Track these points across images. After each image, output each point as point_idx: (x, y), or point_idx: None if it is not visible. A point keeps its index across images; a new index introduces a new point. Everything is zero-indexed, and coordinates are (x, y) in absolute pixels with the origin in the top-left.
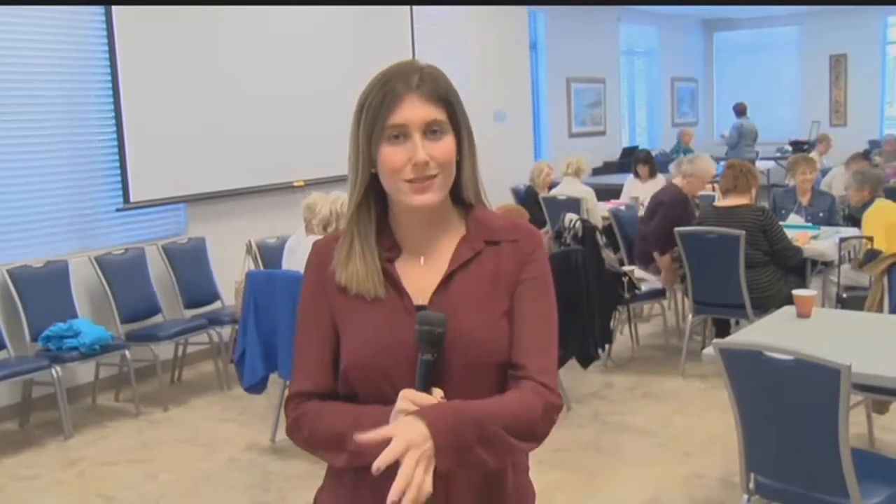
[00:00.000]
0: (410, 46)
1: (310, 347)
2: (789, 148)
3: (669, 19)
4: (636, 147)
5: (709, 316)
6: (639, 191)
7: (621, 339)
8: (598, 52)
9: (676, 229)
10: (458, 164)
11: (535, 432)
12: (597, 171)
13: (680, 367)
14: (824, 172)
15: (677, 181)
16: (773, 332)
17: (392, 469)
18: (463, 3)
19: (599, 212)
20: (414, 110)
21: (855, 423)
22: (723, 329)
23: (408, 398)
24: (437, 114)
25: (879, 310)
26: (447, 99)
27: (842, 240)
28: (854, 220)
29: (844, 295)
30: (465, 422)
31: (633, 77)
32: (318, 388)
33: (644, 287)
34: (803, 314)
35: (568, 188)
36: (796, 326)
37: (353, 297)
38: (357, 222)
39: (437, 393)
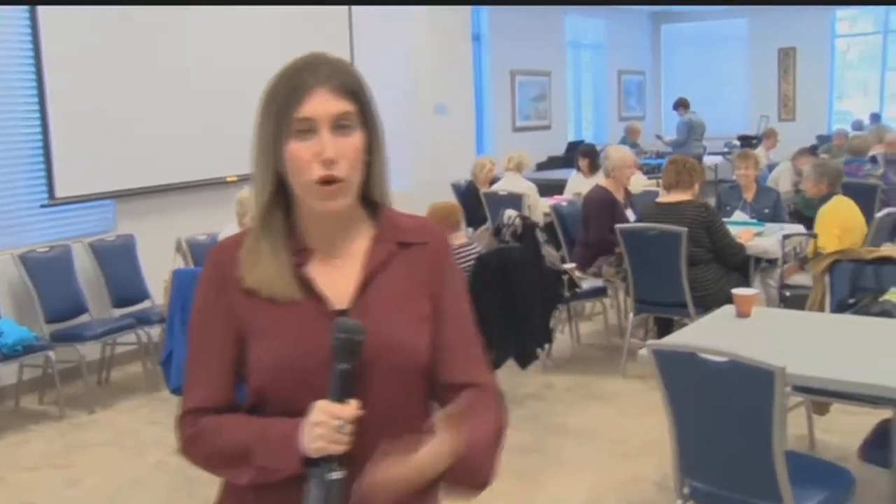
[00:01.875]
0: (348, 38)
1: (206, 358)
2: (738, 143)
3: (617, 11)
4: (582, 141)
5: (650, 315)
6: (582, 186)
7: (562, 339)
8: (544, 45)
9: (617, 226)
10: (367, 162)
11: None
12: (542, 166)
13: (621, 368)
14: (773, 168)
15: (603, 182)
16: (712, 332)
17: (297, 484)
18: (403, 3)
19: (541, 208)
20: (322, 104)
21: (795, 425)
22: (665, 328)
23: (321, 409)
24: (346, 107)
25: (821, 309)
26: (357, 93)
27: (785, 237)
28: (800, 217)
29: (787, 293)
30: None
31: (579, 70)
32: (216, 403)
33: (585, 285)
34: (743, 314)
35: (509, 184)
36: (735, 326)
37: (264, 301)
38: (265, 222)
39: (353, 404)
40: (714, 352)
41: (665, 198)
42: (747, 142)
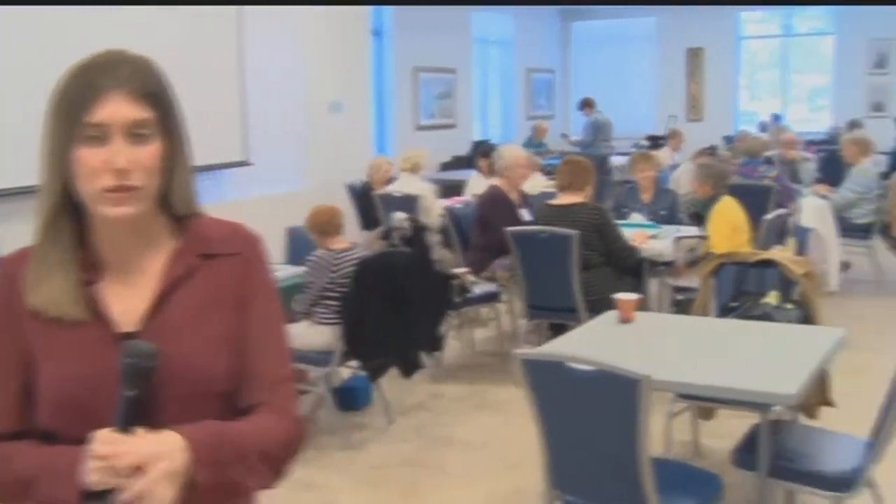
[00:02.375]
0: (235, 33)
1: None
2: (646, 143)
3: (525, 7)
4: (486, 141)
5: (544, 321)
6: (482, 187)
7: (455, 346)
8: (449, 41)
9: (508, 229)
10: (168, 171)
11: (283, 462)
12: (447, 167)
13: (513, 375)
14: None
15: (497, 182)
16: (591, 339)
17: None
18: (297, 3)
19: (437, 210)
20: (117, 108)
21: (681, 430)
22: (559, 334)
23: (102, 440)
24: (144, 113)
25: (705, 313)
26: (158, 97)
27: (678, 239)
28: (700, 218)
29: (679, 297)
30: (224, 438)
31: (486, 67)
32: (2, 429)
33: (478, 290)
34: (625, 319)
35: (405, 185)
36: (616, 332)
37: (50, 321)
38: (50, 235)
39: (140, 433)
40: (581, 360)
41: (558, 200)
42: (655, 142)
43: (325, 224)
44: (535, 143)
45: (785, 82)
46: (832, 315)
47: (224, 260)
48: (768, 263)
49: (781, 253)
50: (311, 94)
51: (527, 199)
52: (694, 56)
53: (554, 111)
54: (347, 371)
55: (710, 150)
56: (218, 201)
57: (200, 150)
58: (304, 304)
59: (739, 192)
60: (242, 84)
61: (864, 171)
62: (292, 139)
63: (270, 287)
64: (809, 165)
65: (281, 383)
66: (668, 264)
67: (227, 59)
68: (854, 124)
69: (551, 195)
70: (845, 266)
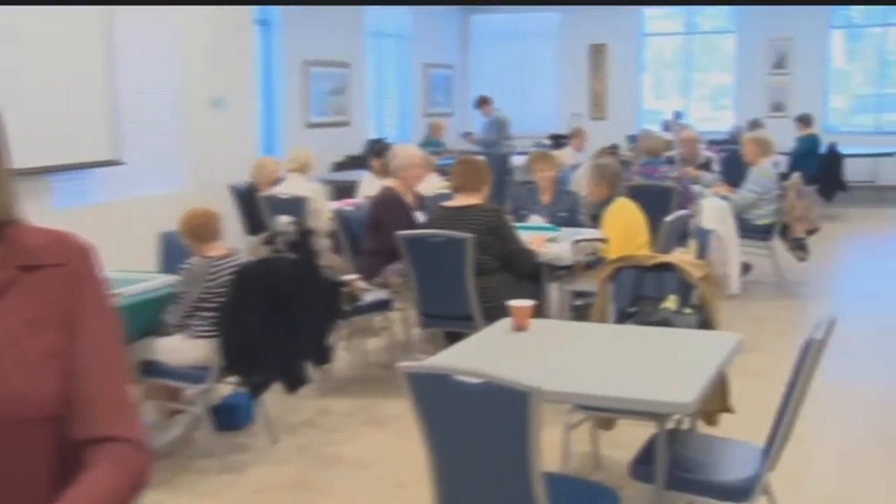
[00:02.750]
0: (107, 23)
1: None
2: (548, 142)
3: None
4: (382, 139)
5: (439, 329)
6: (374, 188)
7: (344, 358)
8: (342, 34)
9: (399, 233)
10: None
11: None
12: (340, 167)
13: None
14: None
15: (390, 183)
16: (483, 349)
17: None
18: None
19: (327, 213)
20: None
21: (580, 441)
22: (456, 342)
23: None
24: None
25: (603, 319)
26: None
27: (576, 242)
28: (600, 220)
29: (578, 302)
30: None
31: (381, 62)
32: None
33: (369, 297)
34: (519, 327)
35: (292, 186)
36: (510, 341)
37: None
38: None
39: None
40: (468, 373)
41: (453, 201)
42: (558, 141)
43: (201, 228)
44: (433, 141)
45: (688, 81)
46: (733, 317)
47: (48, 272)
48: (667, 267)
49: (680, 256)
50: (190, 88)
51: (422, 201)
52: (597, 53)
53: (453, 108)
54: (227, 388)
55: (612, 150)
56: (83, 203)
57: (59, 148)
58: (177, 315)
59: (640, 193)
60: (111, 79)
61: (764, 171)
62: (169, 137)
63: (103, 302)
64: (712, 165)
65: (120, 410)
66: (567, 268)
67: (94, 53)
68: (755, 124)
69: (448, 196)
70: (746, 268)
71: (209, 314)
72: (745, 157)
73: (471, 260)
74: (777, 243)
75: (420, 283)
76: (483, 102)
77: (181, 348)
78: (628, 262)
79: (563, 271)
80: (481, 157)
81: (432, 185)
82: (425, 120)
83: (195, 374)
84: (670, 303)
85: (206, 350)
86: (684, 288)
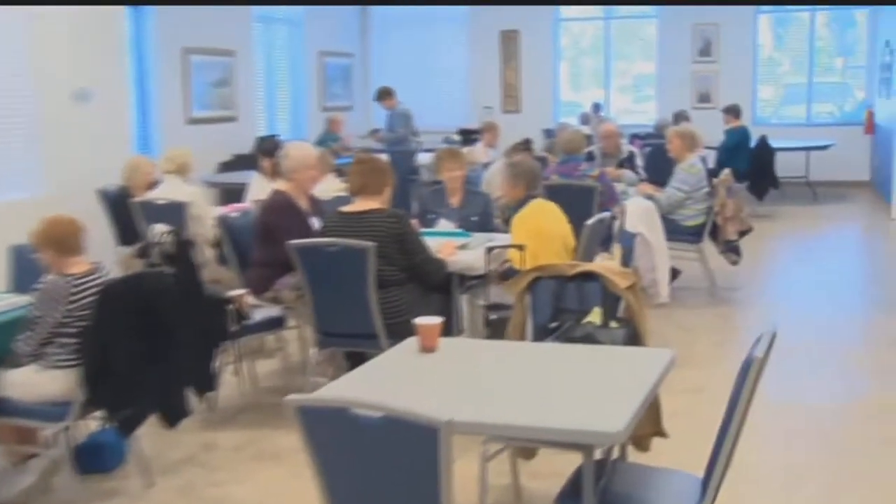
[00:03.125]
0: None
1: None
2: (457, 138)
3: None
4: (274, 136)
5: (339, 349)
6: (265, 191)
7: (232, 384)
8: (226, 18)
9: (291, 243)
10: None
11: None
12: (227, 167)
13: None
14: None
15: (282, 186)
16: (386, 375)
17: None
18: None
19: (210, 220)
20: None
21: (499, 473)
22: (358, 364)
23: None
24: None
25: (522, 336)
26: None
27: (489, 249)
28: None
29: (493, 316)
30: None
31: (271, 50)
32: None
33: (259, 315)
34: (427, 347)
35: (170, 190)
36: (416, 364)
37: None
38: None
39: None
40: (367, 406)
41: (351, 206)
42: (469, 136)
43: (60, 240)
44: (331, 137)
45: (608, 70)
46: (663, 329)
47: None
48: (590, 276)
49: (603, 264)
50: (48, 78)
51: (318, 206)
52: (508, 40)
53: (352, 101)
54: (92, 424)
55: (525, 145)
56: None
57: None
58: (31, 343)
59: (558, 194)
60: None
61: (691, 167)
62: (22, 134)
63: None
64: (635, 161)
65: None
66: (480, 278)
67: None
68: (680, 116)
69: (347, 200)
70: (675, 273)
71: (70, 340)
72: (671, 153)
73: (372, 271)
74: (707, 246)
75: (316, 297)
76: (385, 95)
77: (35, 381)
78: (547, 272)
79: (475, 282)
80: (381, 157)
81: (330, 187)
82: (322, 114)
83: (53, 411)
84: (594, 316)
85: (66, 382)
86: (609, 299)
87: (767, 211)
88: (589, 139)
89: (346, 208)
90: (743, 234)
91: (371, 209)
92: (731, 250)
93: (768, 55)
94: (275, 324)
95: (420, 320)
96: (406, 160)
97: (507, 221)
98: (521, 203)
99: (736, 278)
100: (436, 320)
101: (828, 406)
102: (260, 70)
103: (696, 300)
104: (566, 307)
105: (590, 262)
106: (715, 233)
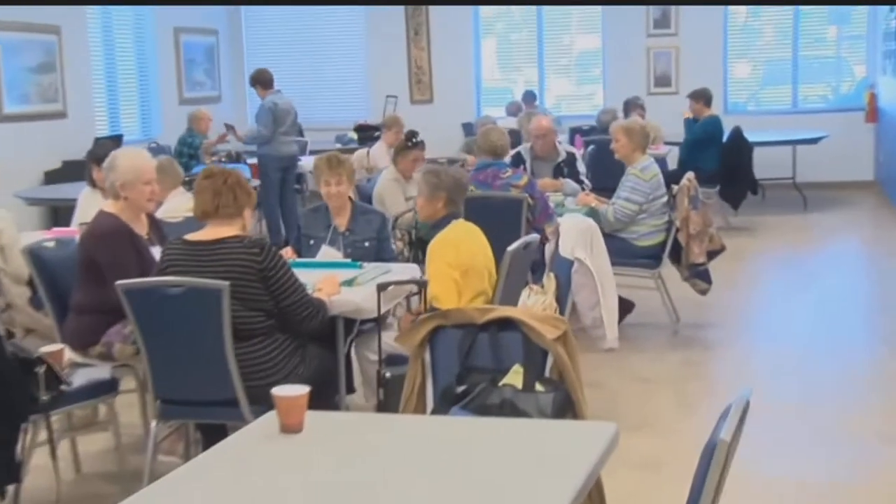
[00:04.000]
0: None
1: None
2: (354, 136)
3: None
4: (118, 137)
5: (187, 421)
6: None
7: (44, 472)
8: None
9: (119, 284)
10: None
11: None
12: (53, 178)
13: None
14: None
15: (110, 206)
16: (235, 466)
17: None
18: None
19: (18, 251)
20: None
21: None
22: (216, 437)
23: None
24: None
25: (420, 405)
26: None
27: (382, 286)
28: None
29: (388, 374)
30: None
31: (109, 27)
32: None
33: (81, 378)
34: (289, 426)
35: None
36: (275, 450)
37: None
38: None
39: None
40: None
41: (200, 234)
42: (368, 134)
43: None
44: (195, 138)
45: (542, 46)
46: (612, 382)
47: None
48: (505, 324)
49: (526, 308)
50: None
51: (161, 232)
52: (416, 12)
53: (219, 91)
54: None
55: (412, 142)
56: None
57: None
58: None
59: (475, 210)
60: None
61: (644, 171)
62: None
63: None
64: (577, 166)
65: None
66: (372, 322)
67: None
68: (632, 105)
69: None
70: (627, 308)
71: None
72: (617, 154)
73: (228, 318)
74: (668, 271)
75: (154, 354)
76: (257, 81)
77: None
78: (450, 320)
79: (368, 326)
80: (235, 168)
81: (180, 206)
82: (183, 109)
83: None
84: (514, 377)
85: None
86: (533, 354)
87: (745, 223)
88: (517, 137)
89: (193, 236)
90: (713, 254)
91: (225, 237)
92: (699, 276)
93: (742, 24)
94: (104, 388)
95: (278, 391)
96: (280, 167)
97: (412, 245)
98: (438, 223)
99: (705, 312)
100: (299, 391)
101: (825, 484)
102: (97, 52)
103: (654, 342)
104: (477, 365)
105: (508, 305)
106: (677, 254)
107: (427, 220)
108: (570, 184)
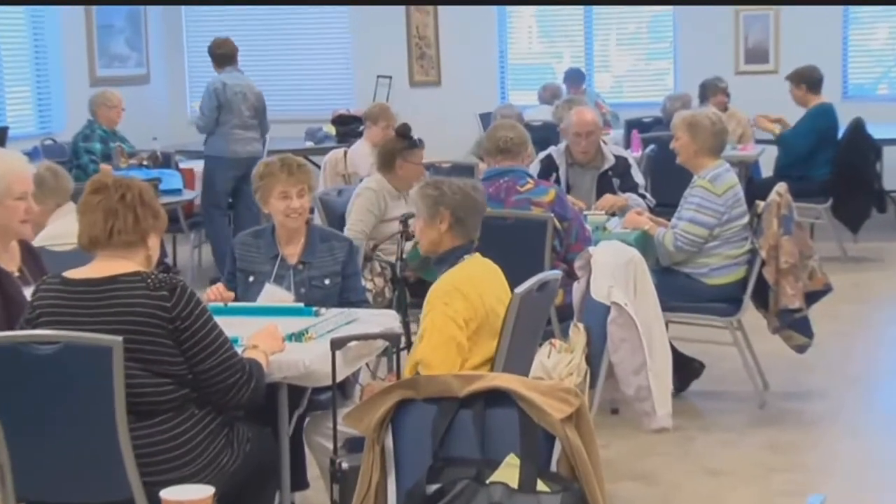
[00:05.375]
0: None
1: None
2: (332, 131)
3: None
4: (0, 130)
5: None
6: None
7: None
8: None
9: None
10: None
11: None
12: None
13: None
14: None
15: None
16: None
17: None
18: None
19: None
20: None
21: None
22: None
23: None
24: None
25: None
26: None
27: (336, 344)
28: (419, 286)
29: (345, 465)
30: None
31: None
32: None
33: None
34: None
35: None
36: None
37: None
38: None
39: None
40: None
41: (84, 270)
42: (352, 128)
43: None
44: (102, 134)
45: (591, 11)
46: (665, 475)
47: None
48: (495, 398)
49: (522, 379)
50: None
51: (40, 266)
52: None
53: (147, 69)
54: None
55: (404, 138)
56: None
57: None
58: None
59: (483, 235)
60: None
61: (714, 182)
62: None
63: None
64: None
65: None
66: (324, 392)
67: None
68: (710, 89)
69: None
70: (692, 372)
71: None
72: (679, 158)
73: (121, 388)
74: (752, 319)
75: (16, 437)
76: (213, 55)
77: None
78: (422, 391)
79: (324, 398)
80: (150, 177)
81: (70, 229)
82: (89, 92)
83: None
84: (508, 472)
85: None
86: (534, 440)
87: (867, 251)
88: (552, 133)
89: (75, 273)
90: (814, 297)
91: (120, 274)
92: (794, 326)
93: None
94: None
95: (169, 495)
96: (223, 169)
97: (395, 284)
98: (444, 258)
99: (803, 377)
100: (200, 493)
101: None
102: None
103: (729, 419)
104: (457, 455)
105: (515, 369)
106: (764, 296)
107: (429, 252)
108: (635, 199)
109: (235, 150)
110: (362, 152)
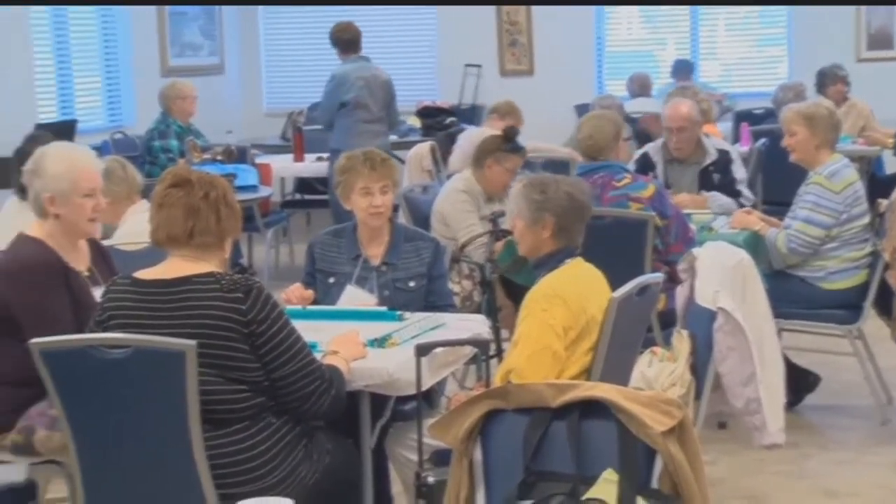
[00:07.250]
0: None
1: None
2: (416, 123)
3: None
4: (69, 124)
5: None
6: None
7: None
8: None
9: (34, 343)
10: None
11: None
12: None
13: None
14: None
15: (36, 227)
16: None
17: None
18: None
19: None
20: None
21: None
22: None
23: None
24: None
25: None
26: None
27: (423, 348)
28: (509, 287)
29: (430, 479)
30: None
31: None
32: None
33: None
34: None
35: None
36: None
37: None
38: None
39: None
40: None
41: (156, 270)
42: (438, 121)
43: None
44: (176, 128)
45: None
46: (778, 495)
47: None
48: (591, 409)
49: (620, 388)
50: None
51: (111, 266)
52: None
53: (221, 58)
54: None
55: (508, 142)
56: None
57: None
58: None
59: (600, 235)
60: None
61: (832, 178)
62: None
63: None
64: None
65: None
66: (411, 400)
67: None
68: (829, 78)
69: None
70: (808, 383)
71: None
72: (792, 153)
73: (195, 395)
74: (874, 327)
75: (86, 446)
76: (337, 42)
77: None
78: (512, 401)
79: (408, 407)
80: (226, 172)
81: (142, 227)
82: (163, 81)
83: None
84: (605, 488)
85: None
86: (633, 454)
87: None
88: (654, 126)
89: (146, 273)
90: None
91: (192, 275)
92: None
93: None
94: (17, 497)
95: None
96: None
97: (485, 287)
98: (543, 262)
99: None
100: None
101: None
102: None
103: (849, 436)
104: (550, 469)
105: (612, 378)
106: (887, 302)
107: (529, 254)
108: (717, 198)
109: (361, 145)
110: (461, 151)
